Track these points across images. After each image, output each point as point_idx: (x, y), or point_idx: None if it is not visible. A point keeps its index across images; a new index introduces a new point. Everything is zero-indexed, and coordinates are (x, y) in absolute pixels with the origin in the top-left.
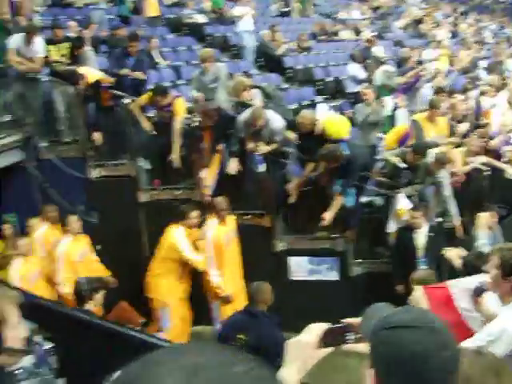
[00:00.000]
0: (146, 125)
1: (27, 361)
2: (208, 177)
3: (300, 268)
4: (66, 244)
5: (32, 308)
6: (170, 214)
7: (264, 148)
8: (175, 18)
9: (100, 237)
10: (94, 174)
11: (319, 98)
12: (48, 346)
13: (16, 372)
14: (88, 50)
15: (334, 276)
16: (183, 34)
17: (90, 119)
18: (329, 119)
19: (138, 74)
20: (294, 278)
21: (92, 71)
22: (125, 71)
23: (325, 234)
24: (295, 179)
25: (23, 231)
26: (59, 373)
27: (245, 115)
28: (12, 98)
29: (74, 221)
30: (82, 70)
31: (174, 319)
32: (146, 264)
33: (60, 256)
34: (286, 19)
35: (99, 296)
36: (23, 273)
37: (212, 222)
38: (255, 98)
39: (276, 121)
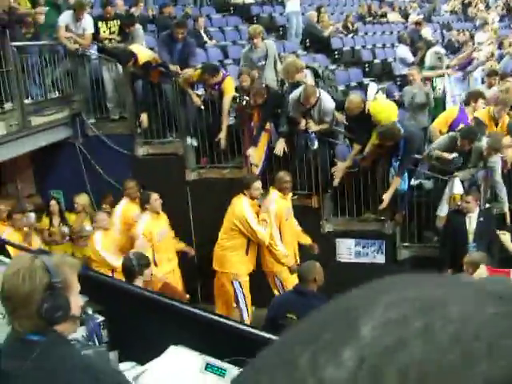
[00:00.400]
0: (196, 100)
1: (79, 333)
2: (256, 156)
3: (347, 250)
4: (146, 222)
5: (84, 280)
6: (217, 192)
7: (315, 127)
8: None
9: None
10: (141, 151)
11: (366, 80)
12: (99, 319)
13: (72, 342)
14: (138, 28)
15: (380, 259)
16: (230, 13)
17: (138, 97)
18: (377, 104)
19: (174, 69)
20: (341, 260)
21: (143, 50)
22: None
23: (373, 216)
24: (341, 161)
25: (68, 208)
26: (110, 346)
27: (296, 93)
28: (60, 75)
29: (156, 198)
30: (133, 48)
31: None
32: (192, 242)
33: (139, 233)
34: (333, 0)
35: (148, 271)
36: (103, 246)
37: (274, 194)
38: (307, 79)
39: (327, 101)
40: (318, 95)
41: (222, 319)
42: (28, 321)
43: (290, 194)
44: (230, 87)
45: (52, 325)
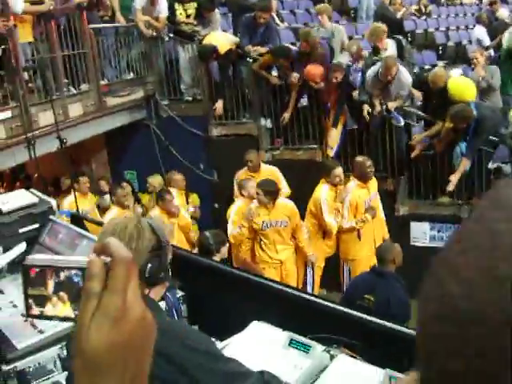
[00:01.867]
0: (273, 79)
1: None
2: (332, 138)
3: (422, 234)
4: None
5: None
6: (291, 174)
7: (392, 104)
8: None
9: (219, 195)
10: (215, 132)
11: (440, 63)
12: (179, 294)
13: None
14: (216, 12)
15: None
16: None
17: (213, 78)
18: (454, 80)
19: (262, 50)
20: (416, 244)
21: (221, 39)
22: (249, 48)
23: (449, 199)
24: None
25: (142, 188)
26: (190, 321)
27: (374, 69)
28: (135, 57)
29: (252, 186)
30: (212, 39)
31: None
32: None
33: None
34: None
35: (224, 249)
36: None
37: (352, 184)
38: (390, 47)
39: (405, 74)
40: (397, 68)
41: (304, 295)
42: None
43: (374, 180)
44: None
45: (152, 286)
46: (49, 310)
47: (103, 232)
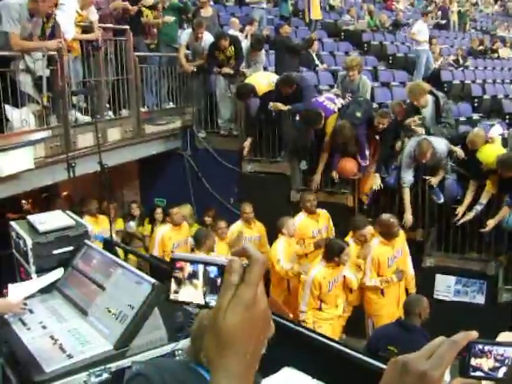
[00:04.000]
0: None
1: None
2: (368, 184)
3: (446, 288)
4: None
5: None
6: None
7: (435, 180)
8: (333, 23)
9: None
10: (249, 168)
11: (475, 116)
12: None
13: None
14: (262, 53)
15: (480, 299)
16: (340, 39)
17: (250, 115)
18: (488, 148)
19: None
20: (439, 297)
21: (261, 80)
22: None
23: (476, 255)
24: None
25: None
26: None
27: (410, 148)
28: (176, 86)
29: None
30: (252, 80)
31: None
32: None
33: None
34: (444, 32)
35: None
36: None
37: (375, 241)
38: (429, 105)
39: (440, 147)
40: (432, 150)
41: (335, 344)
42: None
43: (402, 234)
44: (331, 126)
45: None
46: (183, 294)
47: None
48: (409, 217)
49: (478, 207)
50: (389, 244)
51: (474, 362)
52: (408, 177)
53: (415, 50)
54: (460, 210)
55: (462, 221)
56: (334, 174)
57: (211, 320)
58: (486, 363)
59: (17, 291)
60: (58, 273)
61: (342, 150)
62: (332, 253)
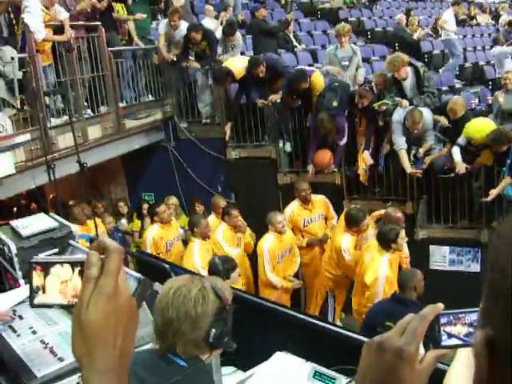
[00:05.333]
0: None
1: None
2: (364, 159)
3: (441, 257)
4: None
5: None
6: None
7: (423, 150)
8: (309, 2)
9: None
10: (233, 154)
11: (458, 84)
12: None
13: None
14: (238, 37)
15: (475, 268)
16: (317, 18)
17: (230, 100)
18: (474, 125)
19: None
20: (435, 268)
21: (238, 64)
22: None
23: (468, 223)
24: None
25: None
26: None
27: (400, 116)
28: (154, 79)
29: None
30: (228, 64)
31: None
32: None
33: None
34: (421, 3)
35: (235, 274)
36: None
37: (372, 232)
38: (409, 77)
39: (428, 119)
40: (423, 119)
41: (327, 325)
42: (193, 346)
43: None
44: (319, 83)
45: (214, 350)
46: (46, 297)
47: (164, 293)
48: (411, 171)
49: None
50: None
51: (447, 330)
52: (401, 140)
53: (446, 39)
54: (494, 191)
55: (489, 199)
56: (309, 168)
57: (75, 316)
58: (461, 330)
59: (3, 300)
60: None
61: (319, 140)
62: (389, 240)
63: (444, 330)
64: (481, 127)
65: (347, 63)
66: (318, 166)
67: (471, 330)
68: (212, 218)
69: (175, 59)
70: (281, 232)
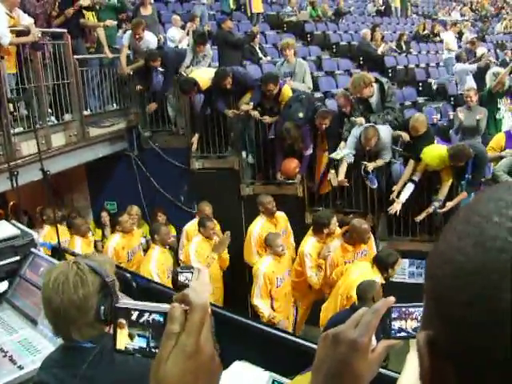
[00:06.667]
0: (266, 119)
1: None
2: (317, 173)
3: (401, 270)
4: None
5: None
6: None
7: (371, 165)
8: (275, 15)
9: None
10: (197, 165)
11: (421, 99)
12: None
13: None
14: (208, 47)
15: None
16: (283, 31)
17: (195, 111)
18: (429, 151)
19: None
20: (394, 280)
21: (204, 75)
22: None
23: (427, 236)
24: (397, 179)
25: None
26: None
27: (355, 132)
28: (118, 87)
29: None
30: (194, 75)
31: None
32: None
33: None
34: (386, 19)
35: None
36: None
37: (337, 242)
38: (374, 94)
39: (385, 134)
40: (376, 137)
41: (285, 334)
42: (89, 328)
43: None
44: (287, 95)
45: (109, 325)
46: (130, 342)
47: (45, 285)
48: (341, 179)
49: (436, 204)
50: (350, 251)
51: (397, 324)
52: (348, 151)
53: (448, 58)
54: (396, 188)
55: (420, 217)
56: (278, 175)
57: (152, 371)
58: (409, 324)
59: None
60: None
61: (285, 149)
62: (387, 264)
63: (394, 324)
64: (437, 153)
65: (289, 78)
66: (284, 173)
67: (419, 324)
68: (194, 225)
69: (131, 73)
70: (280, 255)
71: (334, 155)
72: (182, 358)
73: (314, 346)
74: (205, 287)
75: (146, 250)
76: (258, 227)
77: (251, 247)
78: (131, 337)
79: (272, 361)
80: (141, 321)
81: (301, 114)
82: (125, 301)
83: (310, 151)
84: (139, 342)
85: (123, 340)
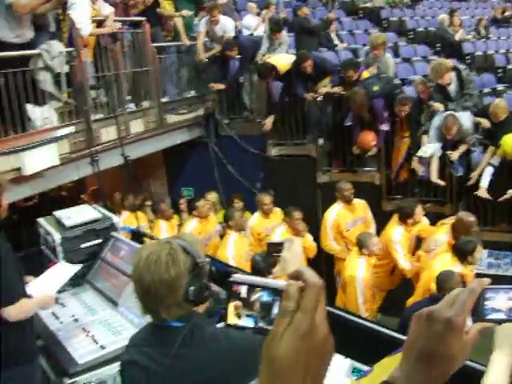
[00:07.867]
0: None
1: None
2: (394, 160)
3: (480, 260)
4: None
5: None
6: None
7: (455, 154)
8: (351, 1)
9: None
10: (274, 152)
11: (500, 86)
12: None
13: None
14: (285, 34)
15: None
16: (359, 17)
17: (273, 99)
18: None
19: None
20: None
21: (282, 60)
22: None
23: (506, 226)
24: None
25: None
26: None
27: (436, 122)
28: (195, 74)
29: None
30: (272, 60)
31: None
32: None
33: None
34: (464, 3)
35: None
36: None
37: (444, 237)
38: (453, 81)
39: (466, 121)
40: (458, 124)
41: (364, 322)
42: (177, 307)
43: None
44: None
45: (198, 305)
46: (240, 318)
47: (136, 263)
48: (436, 180)
49: None
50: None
51: (491, 305)
52: (434, 146)
53: None
54: (474, 174)
55: (506, 196)
56: (355, 149)
57: (264, 349)
58: (505, 304)
59: (42, 287)
60: (74, 269)
61: (359, 120)
62: (466, 252)
63: (488, 304)
64: None
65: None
66: (360, 146)
67: None
68: (257, 216)
69: (206, 60)
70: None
71: (421, 153)
72: (296, 337)
73: (396, 334)
74: (296, 257)
75: (222, 236)
76: (334, 213)
77: (327, 233)
78: (239, 316)
79: (352, 348)
80: (251, 299)
81: (376, 87)
82: (239, 275)
83: (386, 127)
84: (247, 322)
85: (232, 319)
